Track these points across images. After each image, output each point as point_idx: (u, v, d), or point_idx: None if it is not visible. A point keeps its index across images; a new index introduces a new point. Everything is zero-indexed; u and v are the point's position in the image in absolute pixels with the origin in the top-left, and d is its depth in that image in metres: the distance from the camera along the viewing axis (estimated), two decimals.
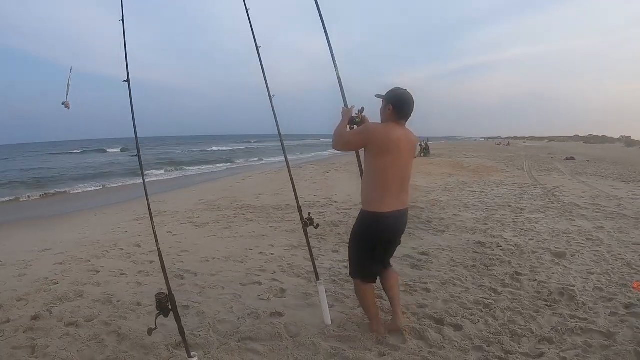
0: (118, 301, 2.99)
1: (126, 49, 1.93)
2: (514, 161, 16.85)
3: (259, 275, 3.42)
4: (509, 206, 6.34)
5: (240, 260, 3.87)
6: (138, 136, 1.87)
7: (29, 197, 10.87)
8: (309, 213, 2.58)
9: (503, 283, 3.08)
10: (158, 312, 1.65)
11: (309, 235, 2.55)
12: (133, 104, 1.85)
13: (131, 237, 5.07)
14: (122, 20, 2.01)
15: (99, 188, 12.72)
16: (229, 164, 22.21)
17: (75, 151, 40.47)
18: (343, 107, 2.29)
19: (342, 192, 8.16)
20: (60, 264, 4.00)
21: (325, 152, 30.85)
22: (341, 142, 2.11)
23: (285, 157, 2.48)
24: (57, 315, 2.78)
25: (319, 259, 3.73)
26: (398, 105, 2.03)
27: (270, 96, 2.29)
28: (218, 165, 21.48)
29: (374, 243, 2.11)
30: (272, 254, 4.01)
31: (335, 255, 3.90)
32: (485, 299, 2.79)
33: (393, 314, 2.33)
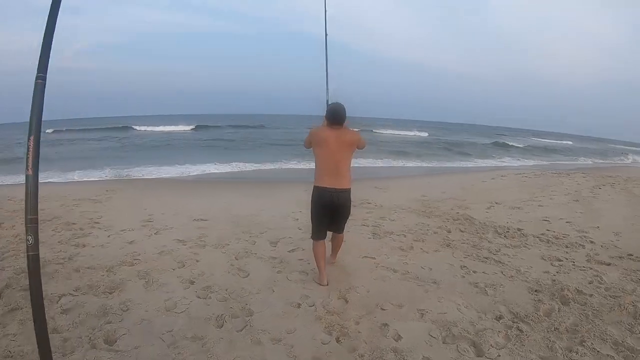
0: (126, 310, 2.33)
1: None
2: None
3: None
4: None
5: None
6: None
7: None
8: None
9: None
10: None
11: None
12: None
13: (291, 228, 4.28)
14: None
15: None
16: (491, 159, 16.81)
17: None
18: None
19: (607, 225, 4.67)
20: (183, 241, 3.74)
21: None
22: (304, 143, 3.02)
23: None
24: (64, 303, 2.42)
25: None
26: (328, 115, 2.86)
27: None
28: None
29: (319, 209, 2.86)
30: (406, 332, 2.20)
31: None
32: None
33: (330, 256, 3.21)
